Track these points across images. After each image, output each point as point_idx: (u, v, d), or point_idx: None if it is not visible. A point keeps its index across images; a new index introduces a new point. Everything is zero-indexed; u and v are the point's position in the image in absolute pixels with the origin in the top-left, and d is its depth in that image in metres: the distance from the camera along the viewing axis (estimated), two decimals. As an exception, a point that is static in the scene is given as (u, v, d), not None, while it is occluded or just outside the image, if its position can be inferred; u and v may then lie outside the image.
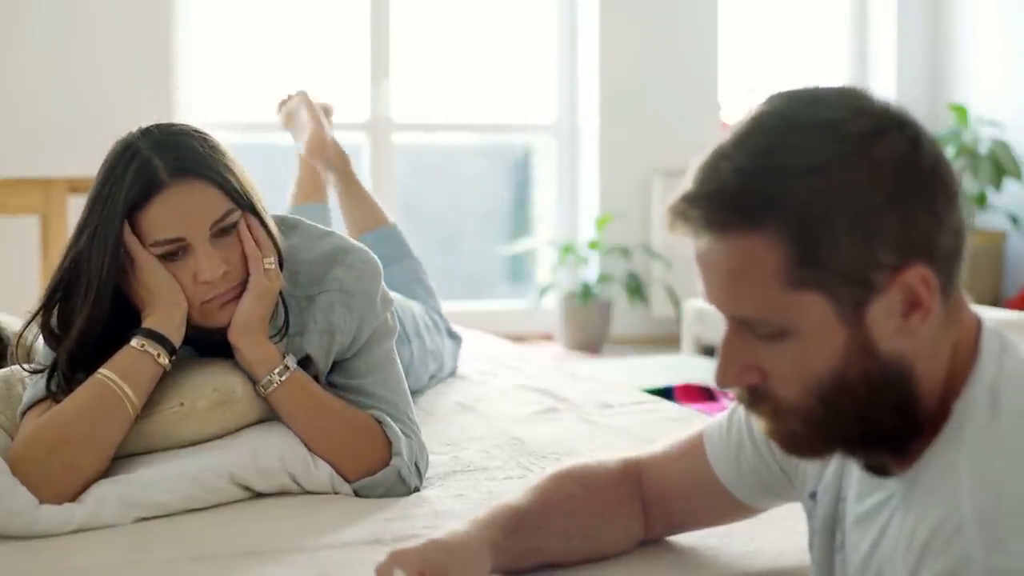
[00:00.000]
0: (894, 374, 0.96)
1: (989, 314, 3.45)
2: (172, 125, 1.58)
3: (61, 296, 1.55)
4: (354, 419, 1.62)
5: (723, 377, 1.00)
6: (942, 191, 0.96)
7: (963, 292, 1.01)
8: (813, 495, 1.17)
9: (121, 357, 1.54)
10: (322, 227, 1.74)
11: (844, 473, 1.11)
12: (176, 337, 1.56)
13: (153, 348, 1.54)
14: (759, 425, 1.03)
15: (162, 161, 1.52)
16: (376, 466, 1.60)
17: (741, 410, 1.28)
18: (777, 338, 0.96)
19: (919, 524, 0.95)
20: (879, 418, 0.98)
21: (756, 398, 1.00)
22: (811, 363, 0.96)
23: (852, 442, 1.01)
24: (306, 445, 1.61)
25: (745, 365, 0.99)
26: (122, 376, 1.52)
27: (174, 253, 1.54)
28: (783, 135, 0.95)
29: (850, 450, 1.03)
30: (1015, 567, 0.88)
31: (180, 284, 1.55)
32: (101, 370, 1.52)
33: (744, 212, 0.94)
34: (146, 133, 1.56)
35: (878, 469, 1.04)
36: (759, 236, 0.93)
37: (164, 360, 1.55)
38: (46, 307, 1.56)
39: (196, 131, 1.58)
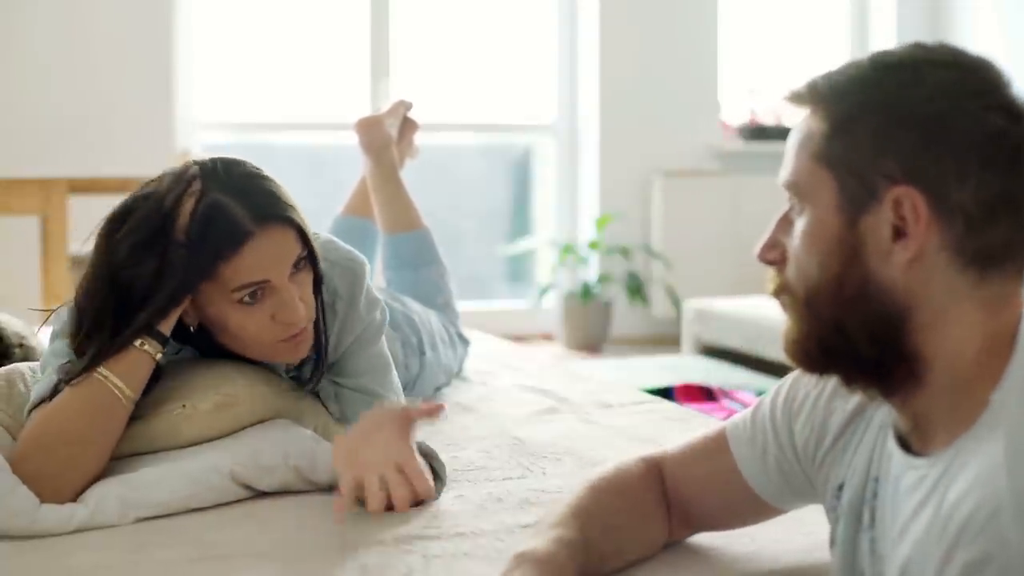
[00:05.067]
0: (876, 296, 1.01)
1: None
2: (234, 164, 1.55)
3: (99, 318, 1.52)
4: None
5: (758, 250, 1.11)
6: (976, 151, 0.99)
7: (1016, 288, 1.03)
8: (840, 486, 1.17)
9: (124, 357, 1.52)
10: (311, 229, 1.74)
11: (876, 453, 1.12)
12: (168, 329, 1.55)
13: (152, 347, 1.54)
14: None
15: (244, 209, 1.50)
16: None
17: (764, 407, 1.29)
18: (799, 214, 1.06)
19: (955, 509, 0.95)
20: (852, 333, 1.03)
21: (779, 285, 1.09)
22: (809, 245, 1.05)
23: (831, 355, 1.06)
24: None
25: (774, 243, 1.09)
26: (121, 375, 1.52)
27: (254, 294, 1.53)
28: (888, 50, 1.06)
29: (833, 365, 1.08)
30: None
31: (256, 323, 1.54)
32: (100, 369, 1.52)
33: (816, 93, 1.06)
34: (212, 174, 1.52)
35: (908, 447, 1.06)
36: (817, 112, 1.06)
37: (159, 356, 1.55)
38: (90, 329, 1.53)
39: (257, 169, 1.56)
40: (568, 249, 5.56)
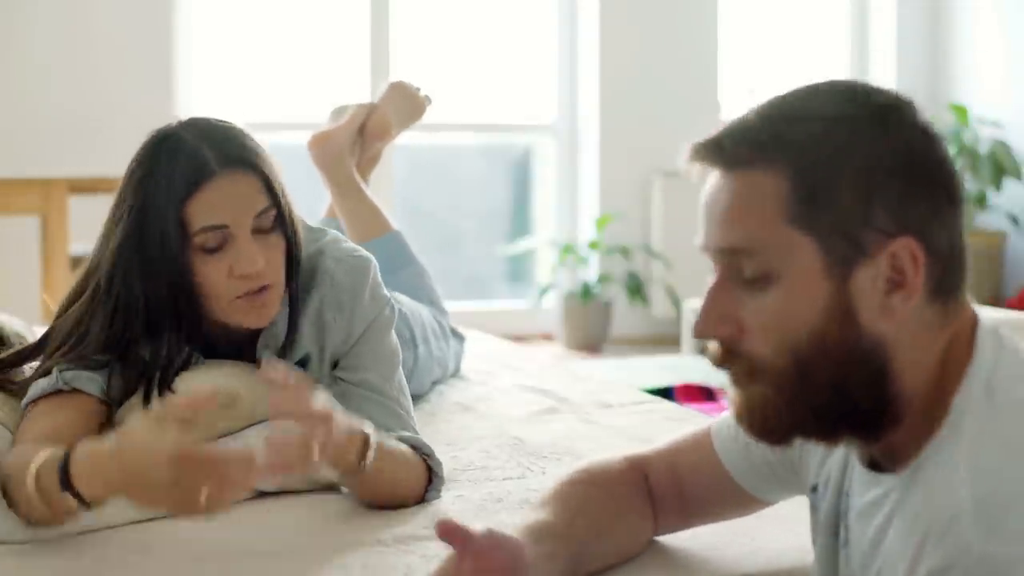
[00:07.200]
0: (870, 351, 0.98)
1: (989, 314, 3.43)
2: (212, 118, 1.58)
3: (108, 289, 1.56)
4: (408, 466, 1.58)
5: (701, 326, 1.01)
6: (944, 188, 0.99)
7: (965, 298, 1.02)
8: (814, 488, 1.17)
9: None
10: (316, 225, 1.74)
11: (848, 467, 1.12)
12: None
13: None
14: (730, 401, 1.03)
15: (211, 151, 1.51)
16: (417, 498, 1.59)
17: None
18: (762, 283, 0.98)
19: (918, 519, 0.95)
20: (852, 392, 0.99)
21: (730, 356, 1.01)
22: (792, 315, 0.97)
23: (824, 417, 1.00)
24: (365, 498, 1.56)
25: (724, 316, 1.00)
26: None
27: (214, 246, 1.52)
28: (810, 94, 1.01)
29: (821, 429, 1.02)
30: (1013, 552, 0.88)
31: (216, 274, 1.53)
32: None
33: (758, 146, 0.99)
34: (188, 125, 1.55)
35: (876, 465, 1.05)
36: (768, 169, 0.98)
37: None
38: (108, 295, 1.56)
39: (238, 127, 1.58)
40: (568, 249, 5.56)
